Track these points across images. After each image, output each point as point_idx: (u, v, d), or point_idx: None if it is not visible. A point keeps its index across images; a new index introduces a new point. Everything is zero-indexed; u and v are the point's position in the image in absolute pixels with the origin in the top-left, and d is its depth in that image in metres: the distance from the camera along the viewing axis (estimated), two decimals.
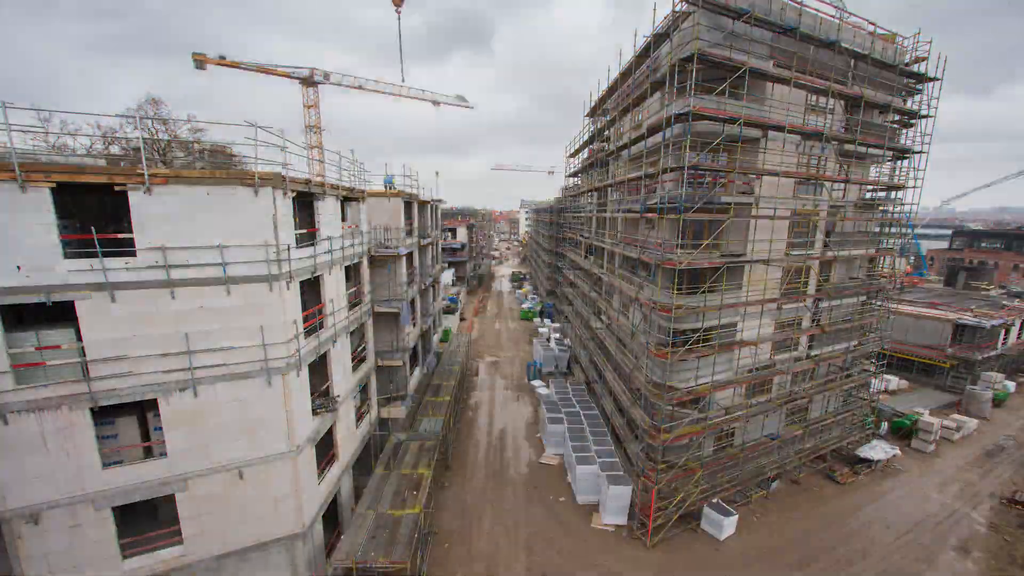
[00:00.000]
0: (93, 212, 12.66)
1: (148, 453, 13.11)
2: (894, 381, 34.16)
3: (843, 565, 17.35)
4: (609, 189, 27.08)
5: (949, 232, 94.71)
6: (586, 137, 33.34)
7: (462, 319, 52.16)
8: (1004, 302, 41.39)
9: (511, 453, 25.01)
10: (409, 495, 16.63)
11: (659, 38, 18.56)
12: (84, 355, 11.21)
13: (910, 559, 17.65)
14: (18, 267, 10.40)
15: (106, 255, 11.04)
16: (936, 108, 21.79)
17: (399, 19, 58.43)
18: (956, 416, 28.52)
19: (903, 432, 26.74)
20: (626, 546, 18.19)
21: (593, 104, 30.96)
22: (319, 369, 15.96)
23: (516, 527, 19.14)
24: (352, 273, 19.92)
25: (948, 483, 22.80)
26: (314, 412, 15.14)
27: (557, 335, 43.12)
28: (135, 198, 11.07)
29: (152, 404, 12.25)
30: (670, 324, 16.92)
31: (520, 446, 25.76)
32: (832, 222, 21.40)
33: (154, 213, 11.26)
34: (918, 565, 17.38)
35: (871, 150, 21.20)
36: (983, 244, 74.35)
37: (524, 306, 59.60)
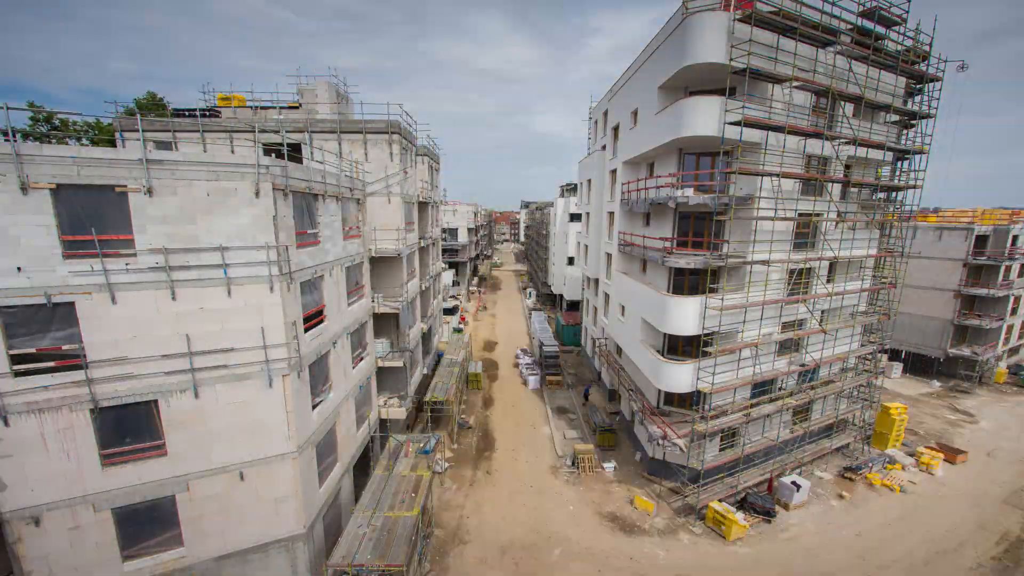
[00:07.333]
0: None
1: (149, 454, 13.06)
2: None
3: None
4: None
5: None
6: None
7: (462, 319, 52.12)
8: None
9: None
10: (408, 497, 16.58)
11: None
12: (85, 356, 11.21)
13: None
14: (18, 268, 10.40)
15: (105, 256, 11.03)
16: (937, 108, 21.78)
17: None
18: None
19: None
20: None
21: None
22: (319, 370, 15.95)
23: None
24: (353, 273, 19.88)
25: None
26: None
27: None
28: (135, 199, 11.08)
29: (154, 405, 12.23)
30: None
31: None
32: (835, 222, 21.34)
33: (154, 214, 11.27)
34: None
35: (871, 152, 21.14)
36: None
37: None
